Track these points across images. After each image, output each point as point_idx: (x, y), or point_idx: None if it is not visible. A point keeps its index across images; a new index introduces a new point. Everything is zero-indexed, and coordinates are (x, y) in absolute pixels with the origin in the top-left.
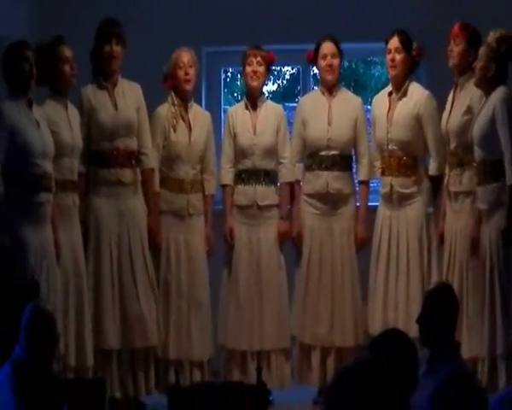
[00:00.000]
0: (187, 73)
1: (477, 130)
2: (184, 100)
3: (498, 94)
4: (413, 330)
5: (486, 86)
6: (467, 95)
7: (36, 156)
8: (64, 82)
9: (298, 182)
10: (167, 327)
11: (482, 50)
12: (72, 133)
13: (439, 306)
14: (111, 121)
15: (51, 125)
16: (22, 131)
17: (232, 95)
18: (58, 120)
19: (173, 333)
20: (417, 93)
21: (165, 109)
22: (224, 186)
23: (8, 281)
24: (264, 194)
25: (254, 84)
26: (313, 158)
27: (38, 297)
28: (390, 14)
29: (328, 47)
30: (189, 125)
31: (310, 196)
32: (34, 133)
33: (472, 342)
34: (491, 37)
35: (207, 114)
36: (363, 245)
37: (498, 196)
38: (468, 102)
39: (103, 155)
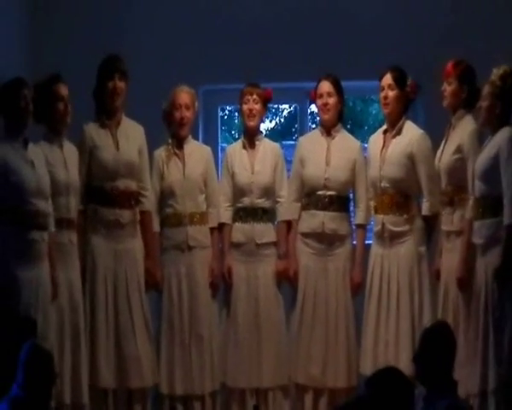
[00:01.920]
0: (182, 117)
1: (480, 165)
2: (179, 139)
3: (504, 134)
4: (403, 370)
5: (493, 125)
6: (458, 134)
7: (29, 195)
8: (58, 120)
9: (296, 220)
10: (172, 363)
11: (486, 89)
12: (68, 172)
13: (437, 344)
14: (112, 161)
15: (45, 165)
16: (16, 171)
17: (230, 133)
18: (52, 160)
19: (179, 369)
20: (412, 132)
21: (160, 151)
22: (222, 225)
23: (4, 319)
24: (262, 232)
25: (251, 123)
26: (310, 197)
27: (35, 335)
28: (388, 51)
29: (324, 86)
30: (183, 160)
31: (305, 235)
32: (28, 172)
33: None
34: (495, 74)
35: (206, 148)
36: (358, 289)
37: (495, 232)
38: (458, 141)
39: (103, 193)
